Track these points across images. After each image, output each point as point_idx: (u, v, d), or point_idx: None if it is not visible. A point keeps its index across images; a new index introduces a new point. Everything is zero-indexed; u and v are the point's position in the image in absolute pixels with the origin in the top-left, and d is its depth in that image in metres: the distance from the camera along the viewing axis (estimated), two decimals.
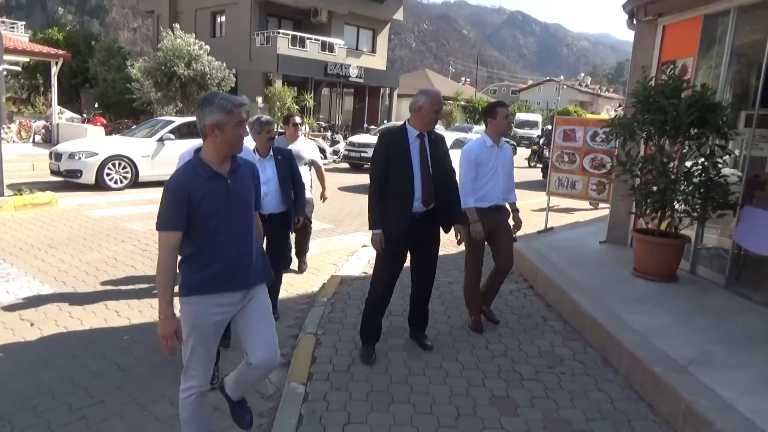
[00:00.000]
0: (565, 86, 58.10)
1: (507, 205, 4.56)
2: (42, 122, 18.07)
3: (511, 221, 4.58)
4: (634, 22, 6.84)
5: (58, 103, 22.73)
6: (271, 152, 4.38)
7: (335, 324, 4.63)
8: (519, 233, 4.74)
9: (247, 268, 2.59)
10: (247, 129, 3.58)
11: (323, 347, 4.17)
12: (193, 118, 12.61)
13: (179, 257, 2.51)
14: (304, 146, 5.95)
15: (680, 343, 3.96)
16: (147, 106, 22.44)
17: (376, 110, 30.68)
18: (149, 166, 11.58)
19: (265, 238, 3.90)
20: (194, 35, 20.41)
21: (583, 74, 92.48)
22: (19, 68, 25.13)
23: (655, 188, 5.36)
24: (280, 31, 26.37)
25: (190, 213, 2.41)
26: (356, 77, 28.06)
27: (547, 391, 3.62)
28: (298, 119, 5.90)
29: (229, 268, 2.53)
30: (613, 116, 5.96)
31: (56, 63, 17.07)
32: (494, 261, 4.55)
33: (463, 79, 66.35)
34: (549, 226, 8.13)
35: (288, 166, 4.47)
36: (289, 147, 5.23)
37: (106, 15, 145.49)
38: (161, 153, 11.71)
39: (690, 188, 5.16)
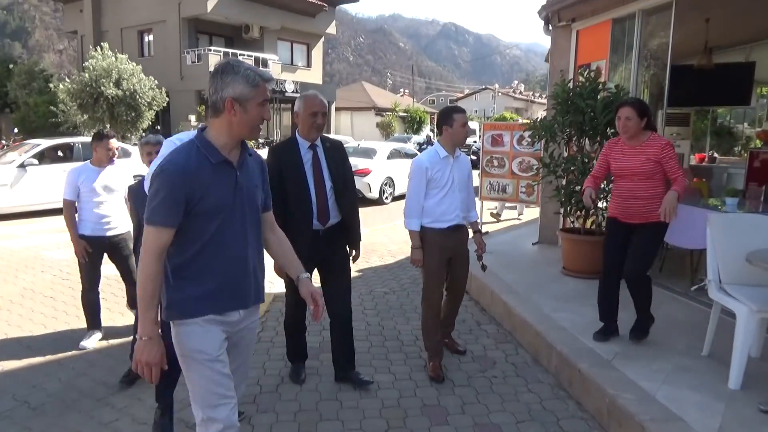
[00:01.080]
0: (500, 94, 59.73)
1: (468, 225, 4.01)
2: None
3: (474, 247, 4.06)
4: (550, 28, 7.06)
5: None
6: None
7: (265, 343, 4.48)
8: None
9: (253, 280, 2.17)
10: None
11: (251, 368, 4.01)
12: (61, 140, 11.72)
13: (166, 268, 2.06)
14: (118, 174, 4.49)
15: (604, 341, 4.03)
16: (73, 129, 21.53)
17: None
18: (7, 195, 10.18)
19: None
20: (124, 55, 19.75)
21: (516, 82, 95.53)
22: None
23: (578, 188, 5.50)
24: (212, 48, 25.91)
25: (189, 207, 1.95)
26: (292, 92, 27.82)
27: (478, 396, 3.60)
28: (114, 142, 4.32)
29: (237, 278, 2.10)
30: (534, 119, 6.08)
31: None
32: (447, 290, 4.05)
33: (402, 90, 67.18)
34: (484, 230, 8.23)
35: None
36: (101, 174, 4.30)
37: (28, 37, 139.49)
38: (22, 180, 10.31)
39: (609, 186, 5.32)
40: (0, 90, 25.43)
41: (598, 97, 5.33)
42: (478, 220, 4.29)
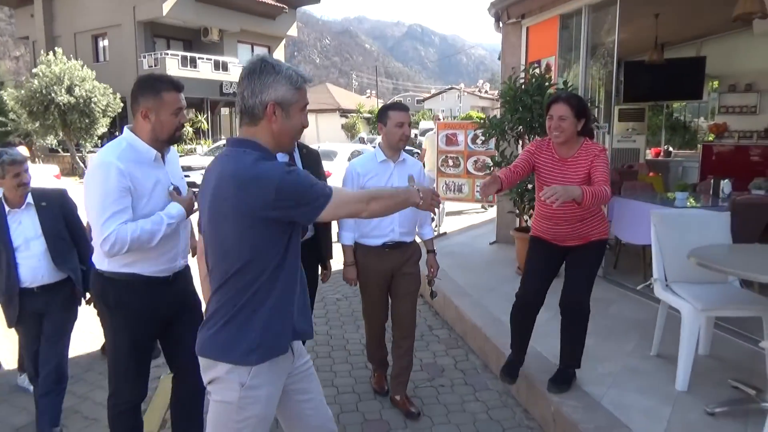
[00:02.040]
0: (465, 93, 60.00)
1: (420, 242, 3.43)
2: None
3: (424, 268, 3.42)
4: (500, 25, 6.98)
5: None
6: (30, 198, 3.08)
7: None
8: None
9: (302, 308, 1.93)
10: None
11: None
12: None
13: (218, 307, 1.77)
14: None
15: (554, 341, 3.90)
16: (25, 137, 20.80)
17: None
18: None
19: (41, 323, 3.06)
20: (78, 61, 19.10)
21: (482, 81, 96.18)
22: None
23: (530, 186, 5.40)
24: (169, 52, 25.32)
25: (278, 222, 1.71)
26: None
27: (423, 408, 3.43)
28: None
29: (293, 309, 1.86)
30: (485, 117, 5.98)
31: None
32: (391, 319, 3.40)
33: (368, 91, 67.07)
34: (442, 231, 8.11)
35: (58, 214, 3.15)
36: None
37: None
38: None
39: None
40: None
41: (548, 93, 5.23)
42: (434, 235, 3.62)
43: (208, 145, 22.74)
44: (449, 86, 79.14)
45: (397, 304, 3.31)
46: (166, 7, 24.29)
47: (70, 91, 17.95)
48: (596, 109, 5.63)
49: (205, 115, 25.03)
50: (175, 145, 2.56)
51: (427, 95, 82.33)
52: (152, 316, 2.41)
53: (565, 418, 2.92)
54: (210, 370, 1.79)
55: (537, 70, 5.76)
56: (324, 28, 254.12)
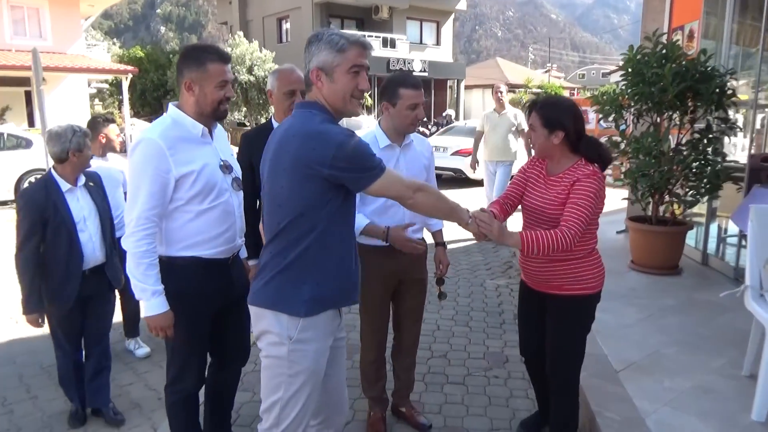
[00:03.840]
0: None
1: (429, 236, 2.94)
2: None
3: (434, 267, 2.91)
4: None
5: (141, 116, 24.46)
6: (83, 177, 3.04)
7: None
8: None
9: (353, 275, 1.96)
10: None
11: None
12: None
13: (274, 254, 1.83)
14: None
15: (632, 344, 3.51)
16: None
17: (443, 103, 30.21)
18: None
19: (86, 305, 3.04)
20: (263, 43, 21.12)
21: None
22: (106, 85, 27.36)
23: (648, 170, 4.81)
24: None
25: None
26: (420, 71, 27.77)
27: (465, 397, 3.33)
28: (113, 127, 3.88)
29: (351, 268, 1.92)
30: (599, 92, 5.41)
31: (126, 78, 18.27)
32: (393, 329, 2.93)
33: (549, 64, 63.74)
34: None
35: (104, 195, 3.15)
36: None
37: (203, 30, 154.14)
38: None
39: (678, 169, 4.59)
40: (163, 79, 28.58)
41: (672, 65, 4.56)
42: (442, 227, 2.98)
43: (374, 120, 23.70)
44: None
45: (404, 317, 2.87)
46: None
47: (250, 70, 19.92)
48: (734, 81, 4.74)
49: (370, 92, 25.98)
50: (222, 120, 2.43)
51: (615, 68, 75.90)
52: (211, 302, 2.31)
53: (598, 430, 2.63)
54: (260, 321, 1.86)
55: (675, 37, 5.05)
56: (507, 0, 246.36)
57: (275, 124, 2.81)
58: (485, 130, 7.00)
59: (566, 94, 34.81)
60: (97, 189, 3.10)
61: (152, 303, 2.12)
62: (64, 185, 2.91)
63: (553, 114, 2.30)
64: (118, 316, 4.19)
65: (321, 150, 1.69)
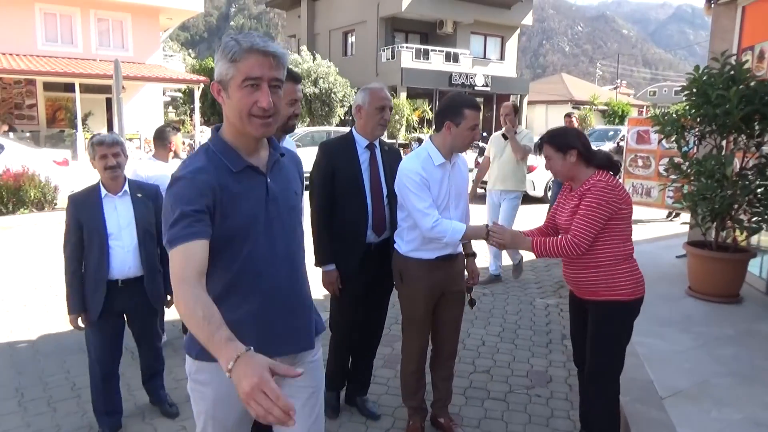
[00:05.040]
0: None
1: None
2: (187, 140, 20.42)
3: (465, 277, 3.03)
4: (712, 5, 6.03)
5: (210, 124, 25.55)
6: (126, 186, 2.99)
7: None
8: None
9: (299, 319, 1.71)
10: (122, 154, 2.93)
11: None
12: None
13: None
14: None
15: (682, 372, 3.43)
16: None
17: (519, 118, 30.00)
18: None
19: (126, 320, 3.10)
20: (328, 56, 21.76)
21: None
22: (179, 94, 28.74)
23: (709, 194, 4.67)
24: (404, 45, 26.99)
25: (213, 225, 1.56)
26: (482, 86, 27.71)
27: (505, 413, 3.34)
28: (178, 136, 4.20)
29: (277, 319, 1.64)
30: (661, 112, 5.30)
31: (198, 87, 19.20)
32: (431, 340, 3.00)
33: (618, 81, 62.03)
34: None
35: (152, 208, 3.04)
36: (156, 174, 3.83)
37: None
38: None
39: (742, 194, 4.43)
40: None
41: (739, 87, 4.43)
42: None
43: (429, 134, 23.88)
44: None
45: (443, 327, 2.92)
46: (405, 3, 25.91)
47: (315, 83, 20.49)
48: None
49: (431, 105, 26.14)
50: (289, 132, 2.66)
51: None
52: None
53: None
54: None
55: (745, 57, 4.90)
56: (577, 14, 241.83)
57: (356, 136, 3.02)
58: (491, 155, 5.88)
59: (634, 112, 33.79)
60: (144, 200, 3.00)
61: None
62: (104, 192, 2.92)
63: (561, 140, 2.55)
64: (175, 314, 4.48)
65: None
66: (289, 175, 1.70)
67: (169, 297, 3.16)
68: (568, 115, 8.21)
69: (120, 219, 2.92)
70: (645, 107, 38.34)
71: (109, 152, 2.84)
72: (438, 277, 2.78)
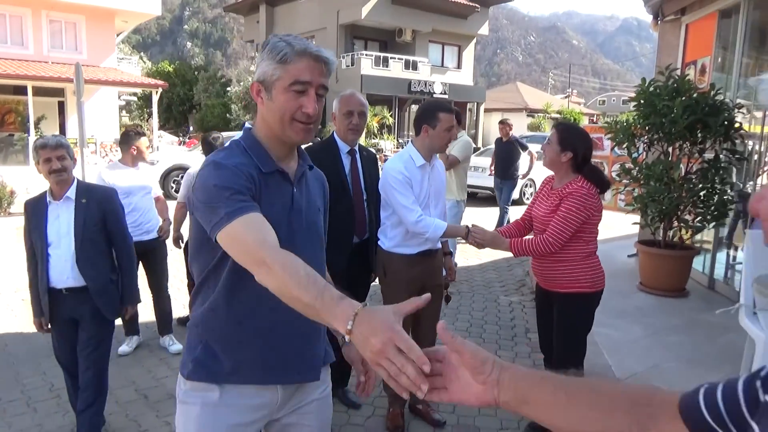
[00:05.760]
0: None
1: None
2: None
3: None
4: (658, 22, 6.50)
5: (166, 128, 25.16)
6: (71, 192, 2.81)
7: None
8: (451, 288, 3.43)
9: (309, 345, 1.58)
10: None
11: None
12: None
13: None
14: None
15: (634, 357, 3.75)
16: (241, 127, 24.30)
17: (463, 125, 30.61)
18: None
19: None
20: None
21: None
22: (135, 98, 28.19)
23: (657, 196, 5.06)
24: (364, 52, 27.27)
25: None
26: (440, 93, 28.22)
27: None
28: (143, 140, 4.21)
29: (274, 344, 1.50)
30: (613, 121, 5.70)
31: (156, 92, 18.94)
32: (411, 333, 3.04)
33: (568, 90, 63.91)
34: None
35: (96, 214, 2.83)
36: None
37: (228, 47, 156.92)
38: None
39: (687, 196, 4.83)
40: (189, 94, 29.44)
41: (682, 98, 4.83)
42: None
43: (392, 140, 24.12)
44: None
45: (422, 320, 3.02)
46: (364, 11, 26.20)
47: None
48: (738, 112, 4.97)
49: (391, 112, 26.48)
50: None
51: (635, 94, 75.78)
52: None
53: None
54: None
55: (688, 71, 5.33)
56: (530, 25, 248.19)
57: (339, 142, 3.15)
58: None
59: (585, 120, 35.06)
60: (89, 206, 2.81)
61: None
62: (49, 199, 2.79)
63: (567, 136, 2.73)
64: (151, 315, 4.56)
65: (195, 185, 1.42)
66: (314, 190, 1.62)
67: (128, 307, 3.04)
68: (502, 122, 8.85)
69: (60, 227, 2.77)
70: (596, 115, 39.82)
71: (53, 155, 2.68)
72: (418, 271, 2.98)
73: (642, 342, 4.03)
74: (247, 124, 1.56)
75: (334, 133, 3.21)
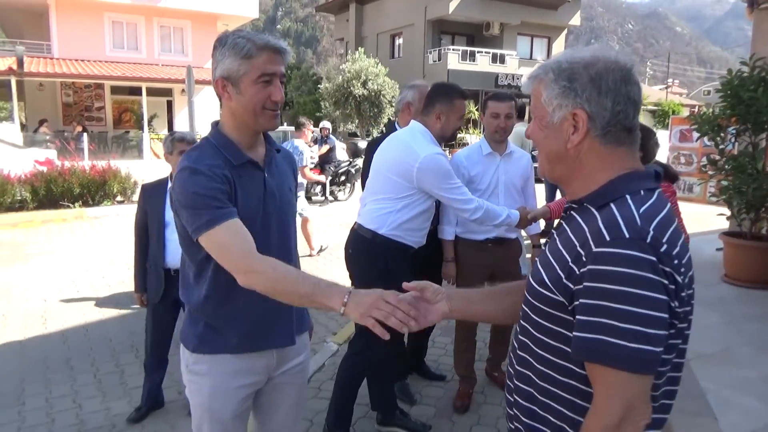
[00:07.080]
0: None
1: (525, 237, 3.44)
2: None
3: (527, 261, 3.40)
4: (754, 9, 6.33)
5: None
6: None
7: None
8: None
9: (285, 312, 1.73)
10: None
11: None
12: None
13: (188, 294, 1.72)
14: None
15: (708, 341, 3.84)
16: (332, 122, 25.25)
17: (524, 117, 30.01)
18: None
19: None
20: (377, 58, 22.43)
21: None
22: None
23: (743, 188, 5.03)
24: (450, 47, 27.43)
25: None
26: None
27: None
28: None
29: (266, 313, 1.67)
30: (697, 112, 5.66)
31: None
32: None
33: (670, 80, 60.24)
34: None
35: None
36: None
37: (318, 45, 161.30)
38: None
39: None
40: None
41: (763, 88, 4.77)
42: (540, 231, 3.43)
43: (477, 134, 24.17)
44: None
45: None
46: (452, 6, 26.36)
47: (365, 85, 21.18)
48: None
49: (477, 106, 26.48)
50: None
51: None
52: None
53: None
54: None
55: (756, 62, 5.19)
56: (628, 12, 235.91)
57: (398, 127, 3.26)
58: None
59: (686, 112, 33.14)
60: None
61: None
62: (170, 185, 3.00)
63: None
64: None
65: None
66: (284, 171, 1.77)
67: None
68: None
69: None
70: (697, 107, 37.51)
71: (187, 149, 2.90)
72: (485, 257, 3.17)
73: (717, 327, 4.10)
74: (212, 121, 1.70)
75: (396, 123, 3.37)
